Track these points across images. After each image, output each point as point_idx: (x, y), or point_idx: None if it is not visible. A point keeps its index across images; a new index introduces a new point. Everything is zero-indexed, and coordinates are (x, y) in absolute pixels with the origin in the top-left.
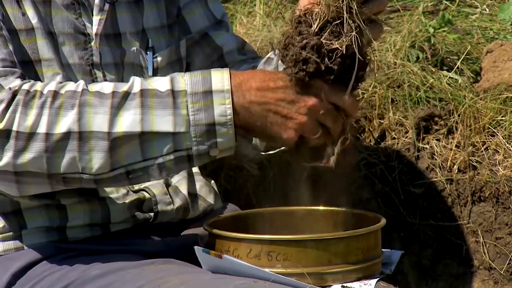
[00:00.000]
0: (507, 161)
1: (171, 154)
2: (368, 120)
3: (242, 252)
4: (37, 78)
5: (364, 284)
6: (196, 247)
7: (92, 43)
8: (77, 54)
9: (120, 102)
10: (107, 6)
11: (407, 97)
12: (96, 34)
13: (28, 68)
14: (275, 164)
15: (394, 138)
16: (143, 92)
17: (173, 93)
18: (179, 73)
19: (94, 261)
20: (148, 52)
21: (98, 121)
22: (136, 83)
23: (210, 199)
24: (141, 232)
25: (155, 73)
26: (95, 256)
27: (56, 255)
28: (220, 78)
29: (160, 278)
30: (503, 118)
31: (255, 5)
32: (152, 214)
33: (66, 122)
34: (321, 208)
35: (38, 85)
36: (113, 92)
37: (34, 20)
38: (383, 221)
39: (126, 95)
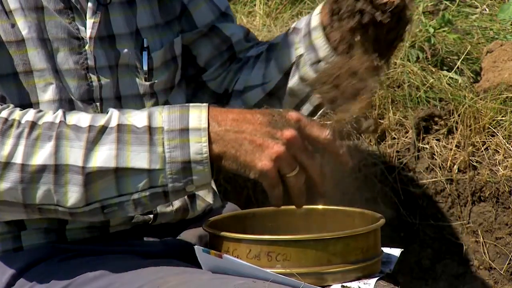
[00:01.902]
0: (507, 161)
1: (146, 191)
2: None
3: (241, 252)
4: (28, 89)
5: (364, 284)
6: (196, 247)
7: (87, 47)
8: (72, 59)
9: (96, 136)
10: (100, 9)
11: (407, 97)
12: (90, 38)
13: (19, 79)
14: None
15: (394, 138)
16: (120, 127)
17: (150, 129)
18: (158, 108)
19: (93, 261)
20: (143, 53)
21: (74, 155)
22: (113, 117)
23: (209, 198)
24: (140, 233)
25: (151, 73)
26: (94, 257)
27: (55, 256)
28: (197, 116)
29: (159, 278)
30: (503, 118)
31: (255, 5)
32: (151, 216)
33: (43, 154)
34: (320, 207)
35: (17, 114)
36: (90, 126)
37: (24, 31)
38: (382, 220)
39: (103, 129)
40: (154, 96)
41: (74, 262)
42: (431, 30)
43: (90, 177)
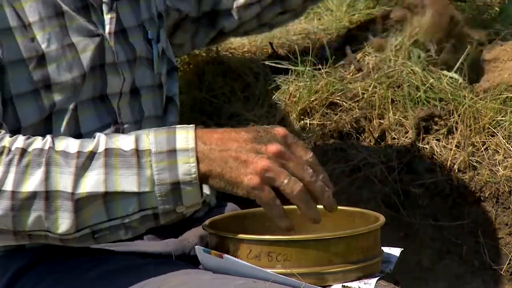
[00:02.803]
0: (507, 161)
1: (136, 214)
2: (368, 120)
3: (242, 252)
4: (48, 104)
5: (364, 284)
6: (196, 247)
7: (107, 43)
8: (97, 59)
9: (85, 162)
10: (115, 4)
11: (407, 97)
12: (109, 33)
13: (39, 95)
14: None
15: (394, 138)
16: (108, 152)
17: (137, 152)
18: (145, 131)
19: (94, 261)
20: (153, 44)
21: (64, 181)
22: (101, 141)
23: (210, 199)
24: (142, 234)
25: (156, 64)
26: (95, 257)
27: (56, 255)
28: (184, 136)
29: (160, 279)
30: (503, 118)
31: None
32: None
33: (33, 181)
34: (320, 207)
35: (6, 141)
36: (79, 152)
37: (43, 44)
38: (383, 219)
39: (91, 155)
40: (161, 86)
41: (74, 262)
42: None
43: (80, 203)
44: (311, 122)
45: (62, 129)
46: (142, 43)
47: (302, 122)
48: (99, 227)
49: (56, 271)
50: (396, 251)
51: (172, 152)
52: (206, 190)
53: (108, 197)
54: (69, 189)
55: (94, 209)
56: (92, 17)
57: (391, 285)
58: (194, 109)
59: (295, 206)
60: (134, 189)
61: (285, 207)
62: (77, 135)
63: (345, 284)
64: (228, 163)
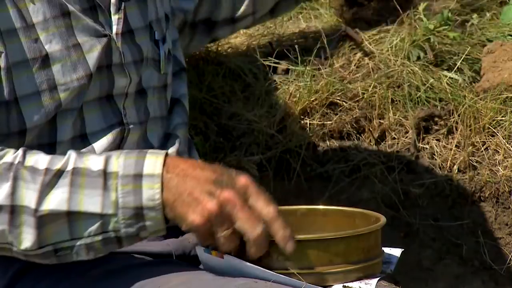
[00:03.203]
0: (507, 161)
1: (99, 235)
2: (368, 120)
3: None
4: (53, 105)
5: (365, 284)
6: (197, 247)
7: (114, 44)
8: (103, 59)
9: (51, 180)
10: (122, 4)
11: (407, 97)
12: (117, 34)
13: (45, 97)
14: (275, 165)
15: (394, 138)
16: (75, 171)
17: (105, 174)
18: (116, 152)
19: (94, 261)
20: (160, 44)
21: (29, 197)
22: (71, 160)
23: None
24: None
25: (163, 65)
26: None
27: None
28: (153, 162)
29: (160, 278)
30: (503, 118)
31: None
32: None
33: (0, 195)
34: (321, 207)
35: None
36: (47, 169)
37: (47, 45)
38: (383, 220)
39: (59, 173)
40: (166, 88)
41: (74, 262)
42: (431, 27)
43: (43, 220)
44: (311, 122)
45: (68, 129)
46: (149, 44)
47: (302, 122)
48: (61, 245)
49: (56, 271)
50: (396, 252)
51: (138, 177)
52: None
53: (71, 217)
54: (33, 205)
55: (56, 227)
56: (99, 18)
57: (391, 285)
58: (194, 109)
59: (296, 206)
60: (98, 210)
61: (286, 207)
62: (83, 135)
63: (346, 284)
64: (181, 197)
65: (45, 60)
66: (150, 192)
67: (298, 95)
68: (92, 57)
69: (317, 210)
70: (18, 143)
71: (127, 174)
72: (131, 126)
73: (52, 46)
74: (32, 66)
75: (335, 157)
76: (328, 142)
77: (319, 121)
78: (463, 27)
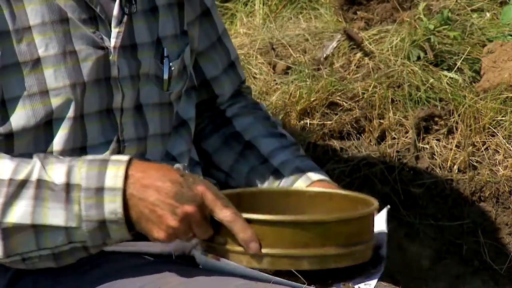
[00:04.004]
0: (507, 161)
1: (66, 246)
2: (368, 120)
3: (221, 229)
4: (44, 109)
5: (365, 285)
6: (194, 250)
7: (111, 57)
8: (97, 71)
9: (15, 191)
10: (125, 18)
11: (407, 97)
12: (114, 47)
13: (35, 100)
14: None
15: (394, 138)
16: (39, 183)
17: (68, 186)
18: (78, 162)
19: (94, 262)
20: (164, 62)
21: None
22: (35, 169)
23: None
24: (142, 233)
25: (169, 82)
26: (95, 257)
27: None
28: (114, 174)
29: (160, 279)
30: (503, 118)
31: (255, 4)
32: None
33: None
34: (329, 191)
35: None
36: (10, 180)
37: (41, 49)
38: (372, 208)
39: (23, 183)
40: (171, 105)
41: (74, 262)
42: (431, 27)
43: (7, 231)
44: (311, 122)
45: (65, 138)
46: (152, 60)
47: (302, 122)
48: (29, 255)
49: (56, 271)
50: (381, 222)
51: (100, 190)
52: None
53: (36, 229)
54: None
55: (22, 238)
56: (99, 29)
57: (390, 285)
58: None
59: (305, 189)
60: (62, 223)
61: (294, 188)
62: (82, 147)
63: (346, 284)
64: (144, 213)
65: (37, 64)
66: (112, 206)
67: (298, 95)
68: (87, 66)
69: (325, 194)
70: (5, 147)
71: (90, 187)
72: (126, 143)
73: (48, 50)
74: (22, 69)
75: (335, 157)
76: (328, 142)
77: (319, 121)
78: (463, 27)
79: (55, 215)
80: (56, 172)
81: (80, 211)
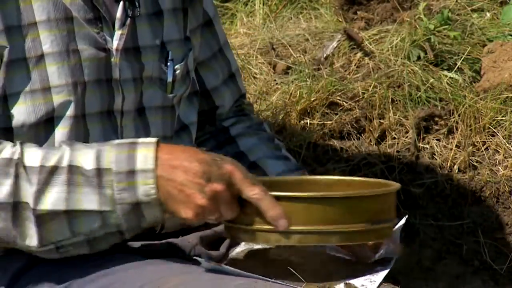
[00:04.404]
0: (507, 161)
1: (100, 230)
2: (368, 120)
3: (247, 207)
4: (46, 106)
5: (370, 282)
6: (198, 258)
7: (113, 59)
8: (98, 71)
9: (46, 177)
10: (128, 21)
11: (407, 97)
12: (117, 49)
13: (37, 96)
14: None
15: (394, 138)
16: (70, 169)
17: (99, 171)
18: (107, 145)
19: (93, 261)
20: (168, 65)
21: (28, 195)
22: (65, 156)
23: None
24: (141, 233)
25: (173, 86)
26: (95, 257)
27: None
28: (144, 156)
29: (160, 278)
30: (503, 118)
31: (255, 4)
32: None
33: (1, 192)
34: (347, 178)
35: None
36: (41, 167)
37: (45, 45)
38: (394, 187)
39: (54, 170)
40: (173, 109)
41: (74, 261)
42: (431, 27)
43: (42, 219)
44: (311, 122)
45: (66, 137)
46: (156, 63)
47: (302, 122)
48: (63, 243)
49: (56, 271)
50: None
51: (131, 173)
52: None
53: (70, 215)
54: (32, 204)
55: (57, 225)
56: (104, 30)
57: (390, 285)
58: None
59: (320, 177)
60: (96, 208)
61: (310, 176)
62: None
63: (348, 281)
64: (172, 194)
65: (40, 60)
66: (145, 188)
67: (298, 95)
68: (88, 66)
69: (343, 181)
70: (5, 140)
71: (121, 171)
72: None
73: (52, 47)
74: (27, 65)
75: (335, 157)
76: (328, 142)
77: (319, 121)
78: (463, 27)
79: (89, 200)
80: (86, 157)
81: (113, 194)
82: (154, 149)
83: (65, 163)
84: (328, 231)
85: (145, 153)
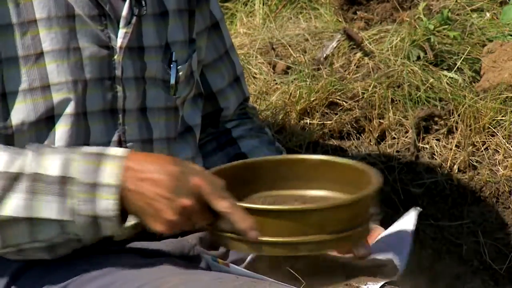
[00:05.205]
0: (507, 161)
1: (60, 237)
2: (368, 120)
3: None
4: (45, 104)
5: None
6: (205, 256)
7: (115, 57)
8: (99, 69)
9: (8, 184)
10: (134, 19)
11: (407, 97)
12: (120, 48)
13: (36, 94)
14: None
15: (394, 138)
16: (33, 176)
17: (62, 179)
18: (75, 153)
19: (93, 261)
20: (171, 66)
21: None
22: (28, 161)
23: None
24: (142, 233)
25: (176, 87)
26: (95, 256)
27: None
28: (110, 170)
29: (160, 278)
30: (503, 118)
31: (255, 4)
32: None
33: None
34: (319, 157)
35: None
36: (4, 173)
37: (45, 43)
38: (371, 189)
39: (15, 176)
40: (177, 110)
41: (74, 261)
42: (431, 27)
43: (1, 224)
44: (311, 122)
45: (67, 135)
46: (159, 64)
47: (302, 122)
48: (23, 246)
49: (55, 270)
50: (407, 225)
51: (94, 186)
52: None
53: (30, 222)
54: None
55: (17, 231)
56: (108, 27)
57: (390, 285)
58: None
59: (304, 156)
60: (55, 216)
61: (295, 156)
62: (85, 145)
63: (348, 283)
64: (141, 208)
65: (40, 58)
66: (105, 203)
67: (298, 95)
68: (90, 64)
69: (328, 162)
70: (6, 141)
71: (85, 182)
72: (128, 144)
73: (52, 45)
74: (25, 63)
75: None
76: (328, 142)
77: (319, 121)
78: (463, 27)
79: (48, 208)
80: (51, 163)
81: (74, 205)
82: (120, 165)
83: (29, 170)
84: (298, 242)
85: (111, 167)
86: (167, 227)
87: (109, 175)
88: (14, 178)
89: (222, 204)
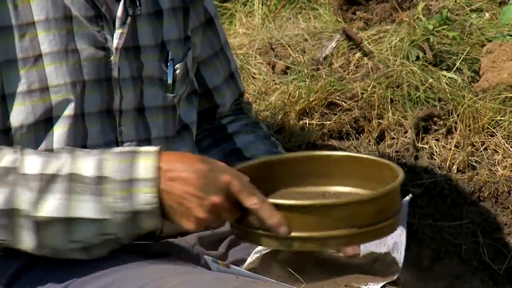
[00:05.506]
0: (506, 161)
1: (97, 238)
2: (367, 120)
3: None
4: (44, 106)
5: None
6: (206, 257)
7: (112, 58)
8: (97, 70)
9: (45, 185)
10: (129, 20)
11: (406, 97)
12: (116, 48)
13: (35, 96)
14: None
15: (393, 138)
16: (70, 177)
17: (98, 179)
18: (109, 152)
19: (94, 260)
20: (168, 65)
21: (25, 202)
22: (65, 163)
23: None
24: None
25: (173, 86)
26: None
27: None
28: (145, 165)
29: (160, 278)
30: (502, 118)
31: (254, 4)
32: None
33: None
34: (341, 153)
35: None
36: (41, 175)
37: (43, 45)
38: (397, 182)
39: (53, 178)
40: (175, 109)
41: (74, 261)
42: (430, 27)
43: (39, 225)
44: (310, 122)
45: (65, 137)
46: (156, 63)
47: (301, 122)
48: (59, 248)
49: (55, 270)
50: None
51: (132, 181)
52: None
53: (68, 222)
54: (30, 210)
55: (54, 232)
56: (104, 28)
57: (390, 285)
58: None
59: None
60: (93, 216)
61: (319, 153)
62: (84, 147)
63: (349, 285)
64: (172, 207)
65: (38, 60)
66: (145, 197)
67: (297, 95)
68: (88, 65)
69: (350, 158)
70: (5, 143)
71: (121, 179)
72: (125, 144)
73: (51, 47)
74: (24, 65)
75: None
76: (327, 142)
77: (318, 121)
78: (462, 27)
79: (86, 208)
80: (86, 165)
81: (112, 203)
82: (155, 159)
83: (65, 171)
84: (327, 236)
85: (145, 162)
86: (198, 225)
87: (145, 170)
88: (51, 180)
89: (252, 201)
